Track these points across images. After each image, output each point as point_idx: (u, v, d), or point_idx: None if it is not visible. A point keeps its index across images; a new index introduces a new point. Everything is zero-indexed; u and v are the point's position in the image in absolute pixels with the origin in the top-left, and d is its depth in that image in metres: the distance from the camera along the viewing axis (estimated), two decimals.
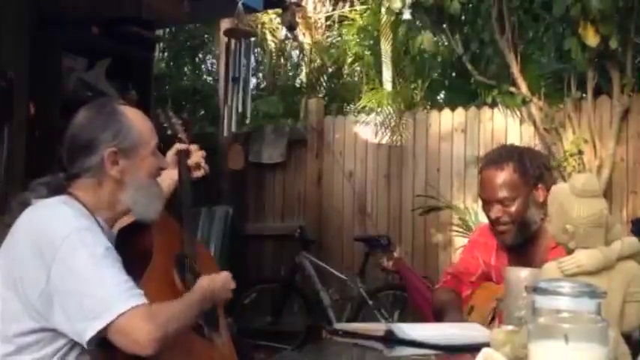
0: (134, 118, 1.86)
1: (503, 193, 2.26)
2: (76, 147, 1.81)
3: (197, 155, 2.18)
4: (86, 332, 1.61)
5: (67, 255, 1.64)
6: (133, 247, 1.87)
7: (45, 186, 1.82)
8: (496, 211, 2.27)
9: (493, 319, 2.15)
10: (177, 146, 2.16)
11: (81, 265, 1.64)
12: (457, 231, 5.63)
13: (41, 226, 1.71)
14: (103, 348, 1.65)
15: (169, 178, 2.14)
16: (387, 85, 7.07)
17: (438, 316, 2.37)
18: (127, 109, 1.87)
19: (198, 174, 2.19)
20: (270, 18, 8.29)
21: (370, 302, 5.43)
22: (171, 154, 2.16)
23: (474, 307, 2.33)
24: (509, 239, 2.30)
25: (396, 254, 5.59)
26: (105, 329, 1.60)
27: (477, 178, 2.45)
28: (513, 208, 2.26)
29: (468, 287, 2.43)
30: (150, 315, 1.62)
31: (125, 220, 1.91)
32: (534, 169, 2.30)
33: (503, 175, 2.27)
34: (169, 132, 2.22)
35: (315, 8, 8.44)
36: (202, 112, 8.50)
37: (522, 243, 2.32)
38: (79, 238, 1.66)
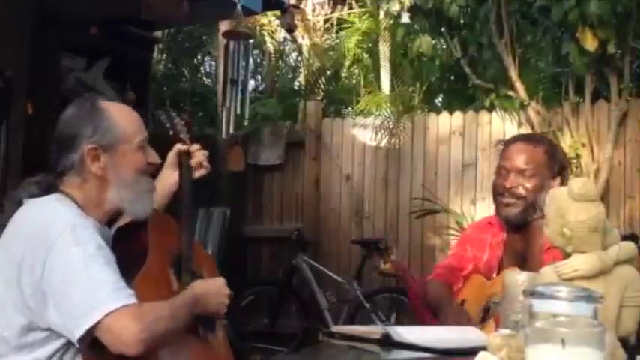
0: (116, 113, 1.84)
1: (527, 165, 2.29)
2: (59, 145, 1.81)
3: (199, 155, 2.17)
4: (76, 330, 1.61)
5: (60, 252, 1.64)
6: (130, 247, 1.87)
7: (36, 185, 1.82)
8: (512, 181, 2.30)
9: (484, 319, 2.16)
10: (178, 147, 2.15)
11: (73, 263, 1.64)
12: (454, 235, 5.63)
13: (35, 224, 1.72)
14: (98, 349, 1.65)
15: (171, 179, 2.13)
16: (386, 88, 7.09)
17: (434, 309, 2.40)
18: (111, 105, 1.86)
19: (201, 172, 2.18)
20: (269, 20, 8.29)
21: (367, 305, 5.43)
22: (172, 155, 2.15)
23: (465, 300, 2.34)
24: (513, 213, 2.31)
25: (393, 256, 5.59)
26: (94, 328, 1.60)
27: (500, 155, 2.45)
28: (530, 184, 2.28)
29: (460, 280, 2.44)
30: (138, 315, 1.62)
31: (124, 220, 1.90)
32: (561, 161, 2.36)
33: (534, 151, 2.32)
34: (171, 132, 2.20)
35: (313, 11, 8.44)
36: (201, 114, 8.49)
37: (519, 232, 2.34)
38: (73, 236, 1.66)
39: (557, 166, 2.33)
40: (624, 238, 1.68)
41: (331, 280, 5.78)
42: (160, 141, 2.06)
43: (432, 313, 2.44)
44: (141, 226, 1.91)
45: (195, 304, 1.80)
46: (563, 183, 2.31)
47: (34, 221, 1.73)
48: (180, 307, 1.75)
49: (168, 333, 1.70)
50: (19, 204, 1.78)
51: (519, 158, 2.31)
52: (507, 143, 2.43)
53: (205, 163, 2.16)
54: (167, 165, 2.14)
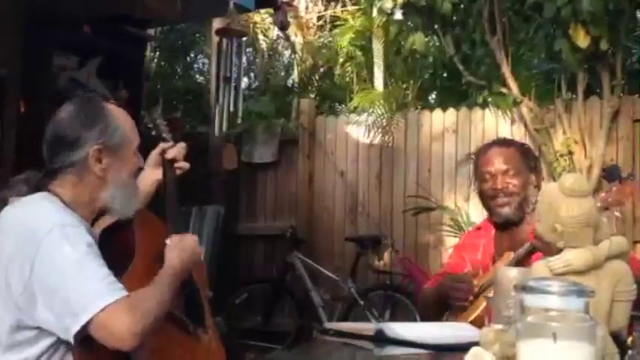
0: (120, 117, 1.87)
1: (509, 165, 2.40)
2: (59, 142, 1.80)
3: (174, 150, 2.13)
4: (72, 327, 1.61)
5: (50, 250, 1.64)
6: (115, 247, 1.87)
7: (23, 183, 1.82)
8: (501, 181, 2.39)
9: (476, 296, 2.25)
10: (162, 146, 2.15)
11: (64, 261, 1.64)
12: (448, 231, 5.64)
13: (23, 223, 1.72)
14: (88, 347, 1.65)
15: (153, 177, 2.13)
16: (379, 86, 7.08)
17: (426, 312, 2.46)
18: (113, 108, 1.88)
19: (180, 166, 2.16)
20: (262, 18, 8.29)
21: (361, 302, 5.43)
22: (155, 153, 2.15)
23: None
24: (511, 211, 2.38)
25: (393, 253, 5.62)
26: (88, 324, 1.60)
27: (474, 163, 2.56)
28: (516, 182, 2.38)
29: None
30: (130, 308, 1.62)
31: (108, 220, 1.91)
32: (534, 157, 2.53)
33: (508, 151, 2.45)
34: (154, 133, 2.22)
35: (307, 8, 8.44)
36: (194, 112, 8.48)
37: (508, 230, 2.40)
38: (62, 234, 1.66)
39: (532, 162, 2.47)
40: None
41: (325, 278, 5.79)
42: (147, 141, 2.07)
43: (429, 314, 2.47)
44: (125, 225, 1.91)
45: (176, 275, 1.80)
46: (538, 177, 2.45)
47: (22, 220, 1.73)
48: (166, 285, 1.75)
49: (160, 318, 1.70)
50: (5, 202, 1.78)
51: (499, 160, 2.42)
52: (482, 151, 2.54)
53: (183, 163, 2.14)
54: (149, 163, 2.14)
